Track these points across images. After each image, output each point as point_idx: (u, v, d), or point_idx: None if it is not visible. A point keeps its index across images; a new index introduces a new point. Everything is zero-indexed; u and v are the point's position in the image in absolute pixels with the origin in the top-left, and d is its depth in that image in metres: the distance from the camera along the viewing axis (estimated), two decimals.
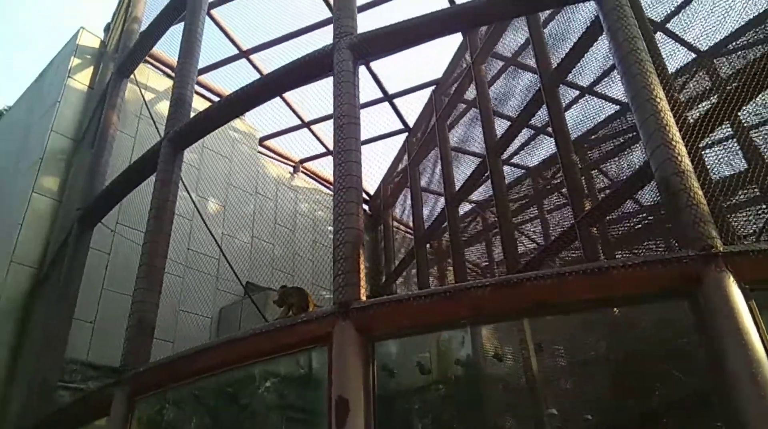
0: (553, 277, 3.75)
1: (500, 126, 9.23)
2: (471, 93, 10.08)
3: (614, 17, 4.61)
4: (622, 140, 9.34)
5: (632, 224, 8.42)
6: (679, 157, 3.89)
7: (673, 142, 3.96)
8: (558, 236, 7.12)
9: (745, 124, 6.71)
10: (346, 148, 4.96)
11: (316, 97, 10.12)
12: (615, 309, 4.25)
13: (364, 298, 4.43)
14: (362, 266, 4.55)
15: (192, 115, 6.50)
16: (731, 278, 3.37)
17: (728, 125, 6.41)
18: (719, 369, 3.23)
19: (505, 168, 9.26)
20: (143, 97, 9.49)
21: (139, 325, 5.33)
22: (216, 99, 11.28)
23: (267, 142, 12.82)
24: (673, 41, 7.54)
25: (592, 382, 7.94)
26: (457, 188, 10.03)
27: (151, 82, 10.50)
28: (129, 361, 5.18)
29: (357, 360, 4.12)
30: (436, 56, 11.38)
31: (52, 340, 6.66)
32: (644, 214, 8.38)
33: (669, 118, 4.09)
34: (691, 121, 5.69)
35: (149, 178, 6.95)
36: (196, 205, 9.29)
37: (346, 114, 5.08)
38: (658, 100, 4.14)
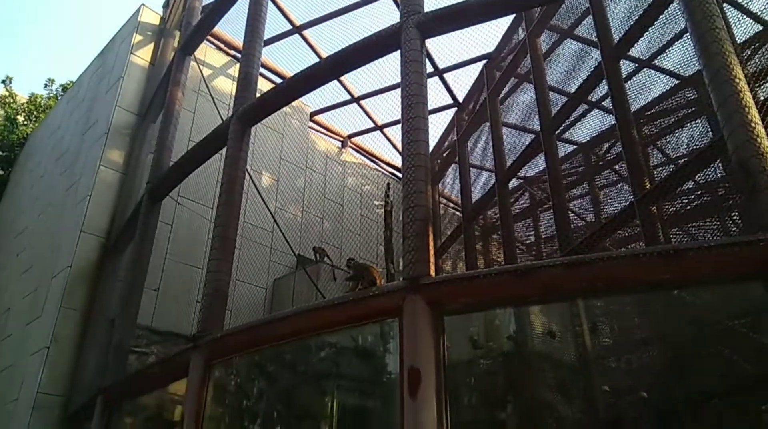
0: (627, 258, 3.81)
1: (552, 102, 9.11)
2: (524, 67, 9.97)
3: None
4: (679, 116, 9.14)
5: (687, 202, 8.29)
6: (759, 139, 3.86)
7: (753, 124, 3.92)
8: (616, 214, 7.09)
9: None
10: (415, 127, 5.06)
11: (366, 72, 10.19)
12: (686, 290, 4.29)
13: (433, 273, 4.57)
14: (431, 243, 4.68)
15: None
16: None
17: None
18: None
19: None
20: (202, 73, 9.72)
21: (214, 293, 5.61)
22: (268, 74, 11.46)
23: (316, 117, 13.00)
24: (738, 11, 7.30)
25: (648, 361, 7.96)
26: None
27: (208, 59, 10.73)
28: (206, 327, 5.47)
29: (428, 332, 4.28)
30: (488, 30, 11.24)
31: (127, 306, 7.05)
32: (700, 193, 8.23)
33: (748, 98, 4.04)
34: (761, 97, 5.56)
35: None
36: (252, 179, 9.56)
37: (414, 93, 5.15)
38: (737, 80, 4.10)
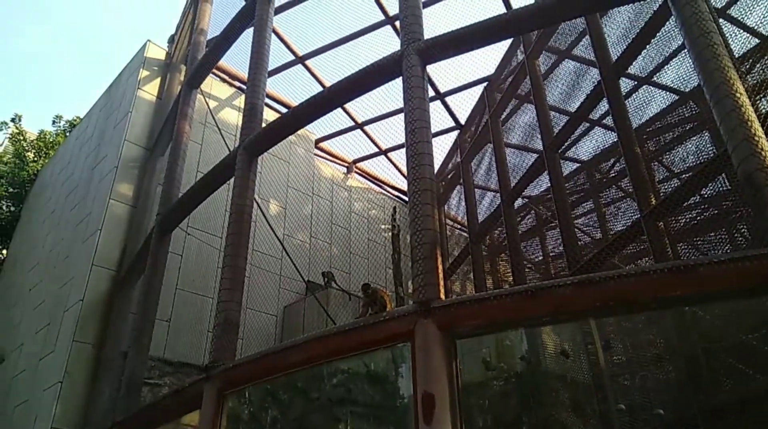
0: (637, 276, 3.82)
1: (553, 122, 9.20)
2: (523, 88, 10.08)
3: (689, 12, 4.61)
4: (680, 130, 9.19)
5: (694, 217, 8.29)
6: (763, 153, 3.89)
7: (756, 137, 3.96)
8: (624, 230, 7.09)
9: None
10: (419, 152, 5.13)
11: (369, 98, 10.35)
12: (696, 306, 4.28)
13: (443, 297, 4.58)
14: (440, 265, 4.71)
15: None
16: None
17: None
18: None
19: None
20: (208, 105, 9.89)
21: (225, 323, 5.63)
22: (273, 104, 11.64)
23: (321, 144, 13.14)
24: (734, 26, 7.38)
25: (662, 378, 7.88)
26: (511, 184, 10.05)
27: (214, 91, 10.92)
28: (218, 357, 5.48)
29: (440, 356, 4.27)
30: (487, 53, 11.41)
31: (139, 337, 7.07)
32: (705, 206, 8.23)
33: (750, 112, 4.09)
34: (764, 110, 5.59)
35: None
36: (260, 207, 9.65)
37: (417, 118, 5.24)
38: (738, 95, 4.15)
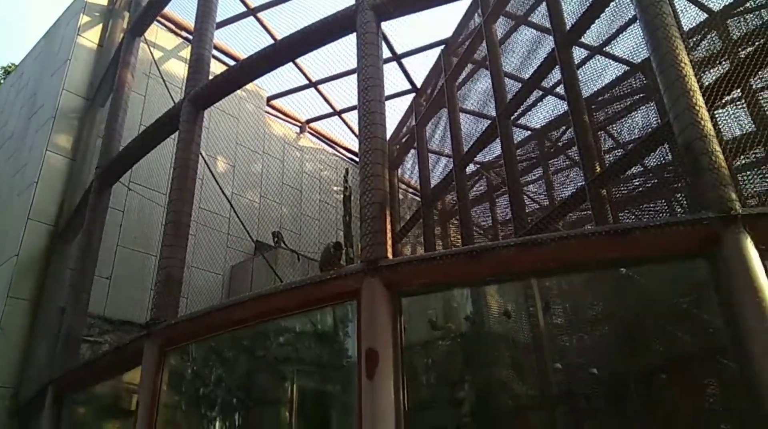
0: (577, 238, 3.92)
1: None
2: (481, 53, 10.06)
3: None
4: (629, 102, 9.43)
5: (636, 186, 8.60)
6: (702, 122, 4.01)
7: (697, 107, 4.07)
8: (568, 197, 7.27)
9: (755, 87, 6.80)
10: (372, 110, 5.05)
11: (323, 56, 10.10)
12: (630, 269, 4.44)
13: (391, 256, 4.59)
14: (389, 226, 4.70)
15: None
16: (749, 239, 3.55)
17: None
18: (733, 325, 3.43)
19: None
20: (152, 55, 9.43)
21: (167, 280, 5.50)
22: (222, 57, 11.21)
23: (273, 102, 12.81)
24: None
25: (598, 339, 8.26)
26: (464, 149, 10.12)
27: (159, 41, 10.40)
28: (159, 315, 5.36)
29: (386, 314, 4.31)
30: (445, 15, 11.30)
31: (78, 294, 6.85)
32: (649, 175, 8.54)
33: (693, 83, 4.19)
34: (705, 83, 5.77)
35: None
36: (207, 164, 9.37)
37: (370, 76, 5.14)
38: (683, 65, 4.24)
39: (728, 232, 3.57)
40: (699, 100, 4.10)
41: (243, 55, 11.02)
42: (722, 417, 6.59)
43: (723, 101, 6.58)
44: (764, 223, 3.64)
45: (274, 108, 12.81)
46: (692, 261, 3.98)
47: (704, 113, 4.06)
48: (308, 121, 13.32)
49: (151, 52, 9.47)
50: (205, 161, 9.41)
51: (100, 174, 7.52)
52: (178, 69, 10.53)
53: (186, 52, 10.10)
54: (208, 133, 10.81)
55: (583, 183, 7.06)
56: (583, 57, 8.92)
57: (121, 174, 7.56)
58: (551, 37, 7.99)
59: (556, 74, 8.60)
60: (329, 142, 13.75)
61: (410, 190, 13.80)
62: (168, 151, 8.39)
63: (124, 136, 8.16)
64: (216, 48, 11.51)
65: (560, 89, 9.01)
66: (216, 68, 8.00)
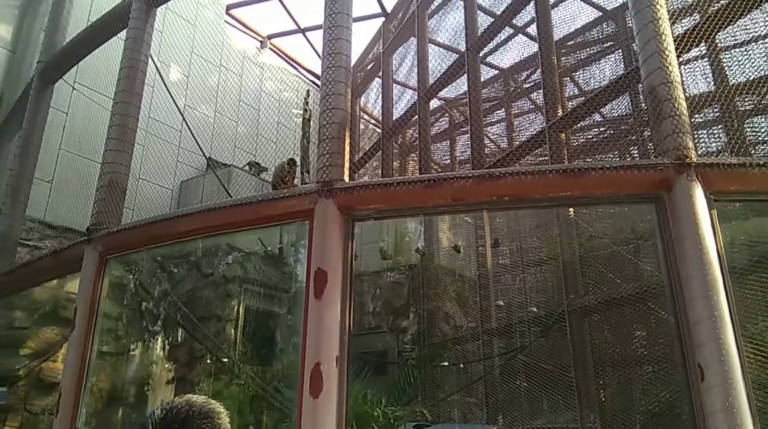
0: (534, 174, 3.92)
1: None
2: None
3: None
4: (598, 49, 9.42)
5: (594, 135, 8.72)
6: (670, 68, 3.99)
7: (666, 52, 4.04)
8: (530, 137, 7.29)
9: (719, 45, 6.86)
10: (337, 24, 4.79)
11: None
12: (585, 208, 4.53)
13: (347, 178, 4.50)
14: (347, 148, 4.58)
15: None
16: (699, 188, 3.62)
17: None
18: (674, 269, 3.55)
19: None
20: None
21: (110, 185, 5.26)
22: None
23: (233, 11, 12.08)
24: None
25: (539, 280, 8.58)
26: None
27: None
28: (100, 220, 5.15)
29: (338, 236, 4.26)
30: None
31: (15, 195, 6.51)
32: (607, 127, 8.67)
33: (666, 27, 4.14)
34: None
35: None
36: (159, 70, 8.84)
37: None
38: (658, 7, 4.16)
39: (680, 178, 3.63)
40: (669, 44, 4.06)
41: None
42: (646, 359, 7.04)
43: (686, 58, 6.64)
44: (716, 173, 3.72)
45: (234, 18, 12.10)
46: (641, 205, 4.06)
47: (673, 59, 4.04)
48: (270, 36, 12.69)
49: None
50: (156, 67, 8.88)
51: (41, 69, 6.99)
52: None
53: None
54: (161, 38, 10.16)
55: (544, 126, 7.09)
56: None
57: (65, 71, 7.04)
58: None
59: (530, 13, 8.45)
60: (291, 62, 13.21)
61: (372, 120, 13.55)
62: (118, 53, 7.85)
63: (70, 31, 7.56)
64: None
65: (532, 30, 8.88)
66: None
